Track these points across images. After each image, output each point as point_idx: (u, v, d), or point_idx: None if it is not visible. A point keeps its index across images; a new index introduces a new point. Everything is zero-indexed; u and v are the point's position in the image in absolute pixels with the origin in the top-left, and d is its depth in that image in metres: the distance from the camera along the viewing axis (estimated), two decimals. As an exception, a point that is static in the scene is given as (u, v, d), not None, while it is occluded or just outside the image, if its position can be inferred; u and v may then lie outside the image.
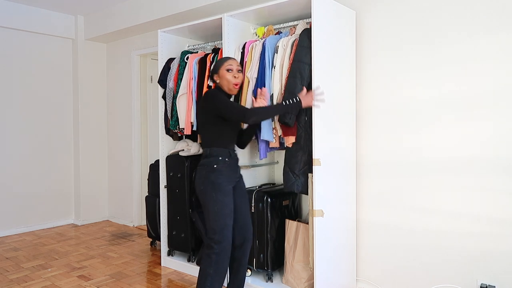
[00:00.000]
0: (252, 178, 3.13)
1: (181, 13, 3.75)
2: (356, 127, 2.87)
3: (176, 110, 3.25)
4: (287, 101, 2.33)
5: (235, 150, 2.46)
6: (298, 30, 2.69)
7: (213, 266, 2.28)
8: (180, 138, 3.48)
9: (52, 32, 4.70)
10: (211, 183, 2.30)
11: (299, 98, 2.34)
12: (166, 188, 3.42)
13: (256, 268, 2.90)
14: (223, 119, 2.33)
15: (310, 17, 2.73)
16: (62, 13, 4.76)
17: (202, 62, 3.14)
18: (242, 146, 2.66)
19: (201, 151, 3.38)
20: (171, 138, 3.49)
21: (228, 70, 2.37)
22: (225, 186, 2.32)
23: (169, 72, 3.37)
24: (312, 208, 2.46)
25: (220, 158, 2.34)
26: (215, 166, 2.32)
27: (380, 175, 2.77)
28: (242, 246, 2.51)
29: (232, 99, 2.88)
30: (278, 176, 3.37)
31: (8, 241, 4.21)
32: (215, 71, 2.42)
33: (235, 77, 2.37)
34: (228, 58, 2.41)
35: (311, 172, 2.50)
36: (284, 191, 2.67)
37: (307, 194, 2.56)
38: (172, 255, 3.45)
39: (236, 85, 2.38)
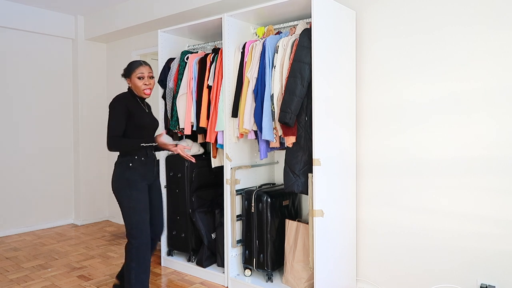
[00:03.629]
0: (252, 178, 3.14)
1: (181, 13, 3.75)
2: (356, 127, 2.87)
3: (176, 110, 3.25)
4: (144, 144, 2.43)
5: (153, 151, 2.56)
6: (298, 30, 2.69)
7: (135, 260, 2.40)
8: (180, 138, 3.48)
9: (52, 32, 4.70)
10: (126, 180, 2.40)
11: (155, 142, 2.48)
12: (166, 188, 3.42)
13: (256, 268, 2.90)
14: (133, 123, 2.43)
15: (310, 17, 2.74)
16: (62, 13, 4.76)
17: (202, 62, 3.14)
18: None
19: (201, 150, 3.38)
20: (171, 138, 3.48)
21: (139, 78, 2.43)
22: (139, 183, 2.43)
23: (169, 72, 3.37)
24: (312, 208, 2.46)
25: (136, 157, 2.44)
26: (130, 164, 2.42)
27: (380, 175, 2.77)
28: (153, 240, 2.65)
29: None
30: (278, 176, 3.37)
31: (8, 241, 4.21)
32: (126, 75, 2.47)
33: (145, 84, 2.45)
34: (139, 65, 2.45)
35: (311, 172, 2.50)
36: (284, 191, 2.67)
37: (307, 194, 2.56)
38: (172, 255, 3.45)
39: (148, 90, 2.47)
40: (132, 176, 2.42)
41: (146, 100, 2.70)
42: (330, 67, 2.55)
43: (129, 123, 2.43)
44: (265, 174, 3.28)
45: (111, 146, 2.36)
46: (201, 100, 3.10)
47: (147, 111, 2.55)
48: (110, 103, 2.40)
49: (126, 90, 2.56)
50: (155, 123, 2.60)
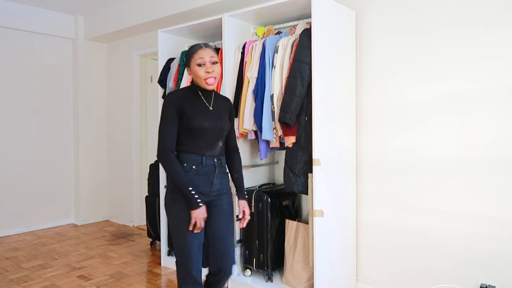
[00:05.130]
0: (252, 178, 3.13)
1: (181, 13, 3.75)
2: (356, 127, 2.87)
3: (176, 110, 3.25)
4: (190, 189, 1.88)
5: (214, 158, 2.00)
6: (298, 30, 2.69)
7: None
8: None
9: (52, 32, 4.70)
10: (170, 192, 1.96)
11: (194, 206, 1.88)
12: (165, 188, 3.42)
13: (256, 268, 2.90)
14: (184, 126, 1.95)
15: (310, 17, 2.73)
16: (62, 13, 4.76)
17: (202, 62, 3.13)
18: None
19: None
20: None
21: (199, 65, 1.92)
22: None
23: (169, 72, 3.37)
24: (312, 208, 2.46)
25: (186, 164, 1.94)
26: None
27: (380, 175, 2.77)
28: (217, 275, 2.07)
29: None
30: (278, 176, 3.36)
31: (8, 241, 4.21)
32: (186, 63, 1.99)
33: (207, 72, 1.91)
34: (198, 48, 1.95)
35: (311, 172, 2.50)
36: (284, 191, 2.67)
37: (307, 194, 2.56)
38: (172, 255, 3.45)
39: (211, 79, 1.93)
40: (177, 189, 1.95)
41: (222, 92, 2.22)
42: (330, 67, 2.55)
43: (180, 125, 1.95)
44: (265, 174, 3.28)
45: (159, 159, 1.92)
46: (201, 100, 3.09)
47: (211, 108, 2.01)
48: (163, 103, 1.97)
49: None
50: (220, 125, 2.01)
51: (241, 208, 2.11)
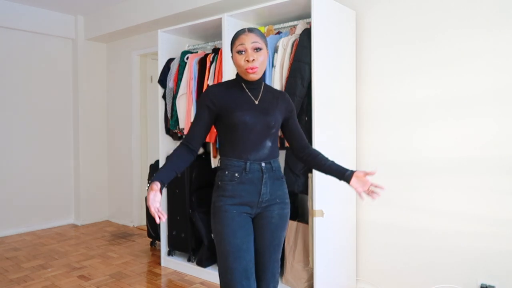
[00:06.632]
0: (252, 178, 3.13)
1: (181, 13, 3.75)
2: (356, 127, 2.87)
3: (176, 110, 3.25)
4: (151, 179, 1.74)
5: (261, 163, 1.71)
6: (298, 30, 2.69)
7: None
8: (180, 138, 3.48)
9: (52, 32, 4.70)
10: (212, 205, 1.72)
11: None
12: (166, 188, 3.42)
13: (256, 268, 2.89)
14: (225, 120, 1.70)
15: (310, 17, 2.73)
16: (62, 13, 4.76)
17: (202, 62, 3.14)
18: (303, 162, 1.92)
19: (201, 150, 3.37)
20: (171, 138, 3.49)
21: (239, 52, 1.66)
22: (228, 211, 1.67)
23: (169, 72, 3.37)
24: (312, 208, 2.46)
25: (227, 172, 1.69)
26: (219, 182, 1.72)
27: (380, 175, 2.77)
28: None
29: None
30: (278, 176, 3.36)
31: (8, 241, 4.21)
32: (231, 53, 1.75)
33: (247, 60, 1.64)
34: (240, 34, 1.68)
35: (311, 172, 2.50)
36: (284, 191, 2.67)
37: (307, 194, 2.56)
38: (172, 255, 3.45)
39: (252, 69, 1.64)
40: (218, 201, 1.69)
41: (273, 81, 2.07)
42: (330, 67, 2.55)
43: (219, 121, 1.72)
44: (265, 174, 3.28)
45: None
46: (201, 100, 3.09)
47: (257, 102, 1.72)
48: (200, 96, 1.79)
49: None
50: (266, 121, 1.70)
51: (362, 181, 1.80)
